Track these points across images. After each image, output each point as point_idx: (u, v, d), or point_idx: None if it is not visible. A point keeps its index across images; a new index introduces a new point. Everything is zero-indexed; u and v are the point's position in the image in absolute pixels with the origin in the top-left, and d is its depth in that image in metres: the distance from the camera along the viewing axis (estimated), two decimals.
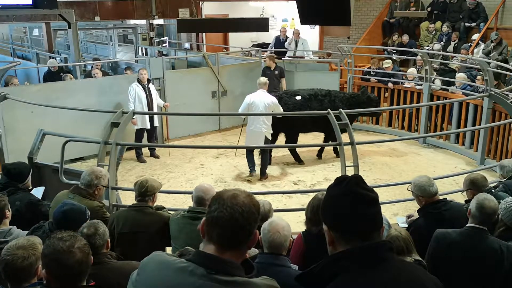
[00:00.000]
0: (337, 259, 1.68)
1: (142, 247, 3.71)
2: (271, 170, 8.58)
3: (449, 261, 3.21)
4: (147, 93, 8.83)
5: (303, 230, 3.61)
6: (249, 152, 8.25)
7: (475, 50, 11.61)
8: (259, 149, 8.20)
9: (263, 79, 8.36)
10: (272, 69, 10.64)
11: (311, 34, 16.81)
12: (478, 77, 9.15)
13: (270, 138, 8.06)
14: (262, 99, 7.91)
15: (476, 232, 3.25)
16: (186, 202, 6.73)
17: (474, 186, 4.10)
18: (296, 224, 6.22)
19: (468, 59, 10.25)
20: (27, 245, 2.59)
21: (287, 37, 14.14)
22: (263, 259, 2.89)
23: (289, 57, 13.05)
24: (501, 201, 3.57)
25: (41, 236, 2.94)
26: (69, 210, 3.27)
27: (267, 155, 8.32)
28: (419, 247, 3.34)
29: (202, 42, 17.20)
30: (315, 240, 3.25)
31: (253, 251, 3.04)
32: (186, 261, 1.67)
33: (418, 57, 10.57)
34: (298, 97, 8.47)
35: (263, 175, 8.18)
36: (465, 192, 4.24)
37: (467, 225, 3.32)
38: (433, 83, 9.89)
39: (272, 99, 7.96)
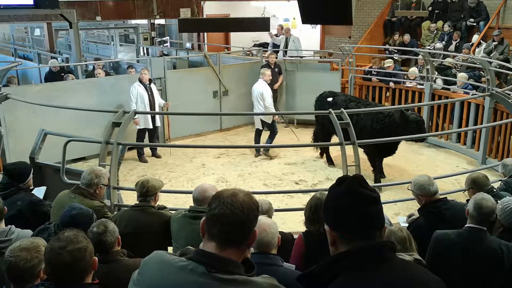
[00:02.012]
0: (338, 259, 1.67)
1: (144, 247, 3.68)
2: (273, 170, 8.59)
3: (449, 262, 3.21)
4: (149, 93, 8.84)
5: (304, 230, 3.59)
6: (256, 135, 9.39)
7: (477, 49, 11.60)
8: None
9: (263, 70, 9.43)
10: (272, 67, 10.84)
11: (312, 34, 16.81)
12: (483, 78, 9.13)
13: (269, 122, 9.21)
14: (256, 88, 9.20)
15: (475, 232, 3.24)
16: (188, 202, 6.70)
17: (476, 185, 4.09)
18: (298, 223, 6.22)
19: (469, 59, 10.24)
20: (31, 247, 2.59)
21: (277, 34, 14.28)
22: (252, 258, 2.88)
23: (290, 56, 13.05)
24: (498, 201, 3.56)
25: (46, 239, 2.94)
26: (77, 215, 3.27)
27: (271, 137, 9.31)
28: (419, 246, 3.34)
29: (204, 42, 17.20)
30: (315, 241, 3.25)
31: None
32: (186, 259, 1.67)
33: (420, 56, 10.56)
34: (330, 99, 8.52)
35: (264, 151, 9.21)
36: (467, 191, 4.24)
37: (465, 225, 3.32)
38: (435, 83, 9.88)
39: (263, 90, 9.09)
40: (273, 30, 14.71)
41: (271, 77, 9.43)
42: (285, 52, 13.22)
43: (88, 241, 2.44)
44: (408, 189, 4.08)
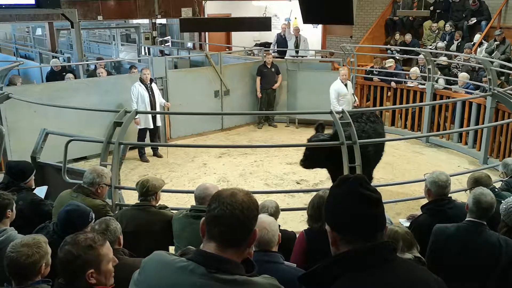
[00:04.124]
0: (339, 260, 1.67)
1: (145, 246, 3.70)
2: (274, 169, 8.59)
3: (448, 254, 3.25)
4: (150, 92, 8.84)
5: (305, 228, 3.61)
6: None
7: (478, 49, 11.59)
8: None
9: (340, 68, 9.82)
10: (269, 67, 10.90)
11: (313, 34, 16.80)
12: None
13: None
14: None
15: (475, 225, 3.29)
16: (189, 202, 6.73)
17: (478, 185, 4.10)
18: (299, 223, 6.22)
19: (471, 58, 10.23)
20: (32, 243, 2.61)
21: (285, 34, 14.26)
22: (254, 257, 2.89)
23: (291, 56, 13.05)
24: (502, 201, 3.57)
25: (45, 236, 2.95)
26: (71, 211, 3.28)
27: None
28: (420, 244, 3.36)
29: (205, 41, 17.20)
30: (317, 238, 3.26)
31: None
32: (186, 260, 1.67)
33: (421, 56, 10.55)
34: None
35: None
36: (468, 191, 4.24)
37: (465, 219, 3.36)
38: (437, 82, 9.87)
39: (331, 86, 9.34)
40: (277, 31, 14.74)
41: (345, 76, 9.26)
42: (297, 52, 13.21)
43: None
44: (424, 176, 4.09)
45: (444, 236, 3.29)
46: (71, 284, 2.36)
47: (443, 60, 10.90)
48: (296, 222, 6.17)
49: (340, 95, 9.21)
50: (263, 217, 3.08)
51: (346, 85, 9.28)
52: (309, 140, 6.15)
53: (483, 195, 3.34)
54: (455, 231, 3.29)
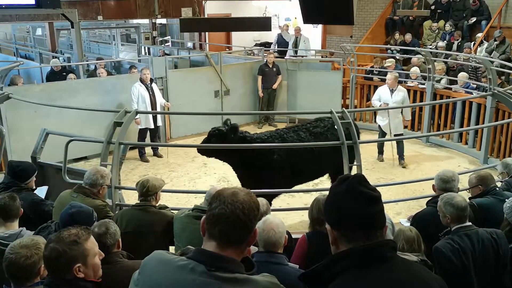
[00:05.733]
0: (339, 258, 1.68)
1: (146, 246, 3.71)
2: None
3: (466, 268, 3.22)
4: (150, 92, 8.84)
5: (307, 230, 3.60)
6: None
7: (478, 48, 11.59)
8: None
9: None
10: (271, 67, 10.95)
11: (314, 33, 16.81)
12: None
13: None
14: None
15: (470, 230, 3.29)
16: (189, 202, 6.74)
17: (484, 183, 4.15)
18: (299, 223, 6.23)
19: (471, 58, 10.23)
20: (31, 244, 2.61)
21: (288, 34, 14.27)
22: (259, 257, 2.90)
23: (290, 56, 13.05)
24: (506, 199, 3.58)
25: (46, 236, 2.94)
26: (76, 213, 3.27)
27: (401, 143, 8.77)
28: (423, 234, 3.40)
29: (205, 41, 17.22)
30: (319, 242, 3.25)
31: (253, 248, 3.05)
32: (186, 259, 1.68)
33: (418, 56, 10.56)
34: None
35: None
36: (470, 190, 4.27)
37: (455, 227, 3.32)
38: (438, 83, 9.86)
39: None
40: (277, 31, 14.75)
41: (390, 81, 8.60)
42: (295, 51, 13.21)
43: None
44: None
45: (456, 255, 3.20)
46: (60, 279, 2.36)
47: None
48: (296, 222, 6.18)
49: (382, 100, 8.68)
50: (270, 218, 3.07)
51: (393, 91, 8.60)
52: (209, 132, 5.77)
53: (455, 198, 3.36)
54: (463, 246, 3.22)
